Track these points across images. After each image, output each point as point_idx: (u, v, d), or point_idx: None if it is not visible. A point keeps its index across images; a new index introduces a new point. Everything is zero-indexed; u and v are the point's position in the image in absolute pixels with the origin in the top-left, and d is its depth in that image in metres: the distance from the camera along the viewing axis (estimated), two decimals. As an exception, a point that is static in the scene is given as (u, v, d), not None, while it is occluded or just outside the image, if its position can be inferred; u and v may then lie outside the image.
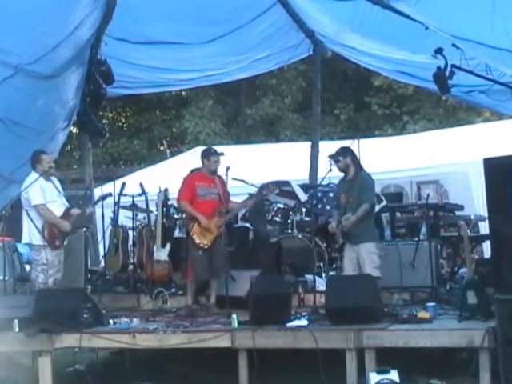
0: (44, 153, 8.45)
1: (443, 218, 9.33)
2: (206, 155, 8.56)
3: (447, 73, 7.78)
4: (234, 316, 7.09)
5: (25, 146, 9.27)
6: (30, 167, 8.37)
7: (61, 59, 8.91)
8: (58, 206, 8.28)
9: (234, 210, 8.70)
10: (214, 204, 8.42)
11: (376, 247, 7.78)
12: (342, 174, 8.16)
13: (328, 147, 10.19)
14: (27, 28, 7.80)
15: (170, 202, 9.78)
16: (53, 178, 8.41)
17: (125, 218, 10.06)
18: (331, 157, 8.10)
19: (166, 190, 9.67)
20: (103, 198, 9.09)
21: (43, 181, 8.21)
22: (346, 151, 8.06)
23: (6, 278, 9.76)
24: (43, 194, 8.15)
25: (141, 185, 9.95)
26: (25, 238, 8.37)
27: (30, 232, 8.24)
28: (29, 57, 8.29)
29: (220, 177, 8.57)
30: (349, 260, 7.88)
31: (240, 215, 10.03)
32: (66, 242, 8.34)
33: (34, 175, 8.24)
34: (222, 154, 8.61)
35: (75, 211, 8.40)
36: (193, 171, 8.79)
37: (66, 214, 8.30)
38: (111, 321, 7.60)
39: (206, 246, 8.32)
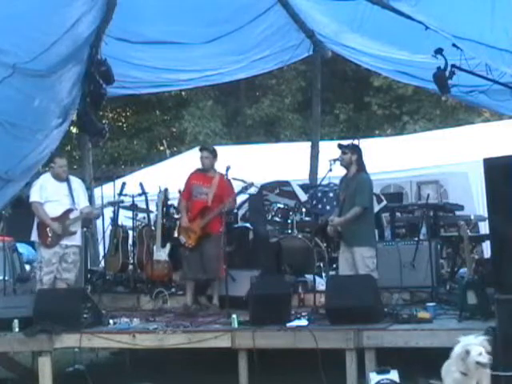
0: (58, 156, 8.80)
1: (443, 218, 9.34)
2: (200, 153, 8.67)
3: (447, 73, 7.78)
4: (234, 316, 7.08)
5: (20, 146, 9.35)
6: (29, 166, 8.59)
7: (57, 57, 8.89)
8: (57, 205, 8.36)
9: (213, 211, 8.42)
10: (202, 204, 8.44)
11: (371, 251, 7.74)
12: (341, 175, 8.17)
13: (328, 147, 10.20)
14: (23, 27, 7.79)
15: (169, 202, 9.78)
16: (72, 179, 8.61)
17: (125, 218, 10.07)
18: (340, 146, 8.06)
19: (165, 189, 9.66)
20: (112, 204, 9.41)
21: (50, 180, 8.45)
22: (355, 149, 8.05)
23: (6, 278, 9.79)
24: (40, 192, 8.36)
25: (141, 185, 9.95)
26: (33, 235, 8.51)
27: (35, 229, 8.48)
28: (26, 55, 8.28)
29: (223, 177, 8.53)
30: (344, 260, 7.88)
31: (240, 215, 10.04)
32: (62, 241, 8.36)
33: (45, 175, 8.65)
34: (206, 148, 8.70)
35: (76, 213, 8.42)
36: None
37: (64, 216, 8.35)
38: (111, 321, 7.61)
39: (191, 246, 8.38)
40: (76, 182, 8.67)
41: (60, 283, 8.30)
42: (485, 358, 5.38)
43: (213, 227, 8.41)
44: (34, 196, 8.36)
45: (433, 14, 6.68)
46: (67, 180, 8.49)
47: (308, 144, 12.37)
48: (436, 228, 9.07)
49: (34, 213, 8.36)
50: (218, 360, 7.31)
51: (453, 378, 5.45)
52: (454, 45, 7.23)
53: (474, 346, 5.43)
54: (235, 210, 9.85)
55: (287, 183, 10.10)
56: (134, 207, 9.88)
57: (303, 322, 7.01)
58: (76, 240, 8.46)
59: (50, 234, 8.28)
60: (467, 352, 5.40)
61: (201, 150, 8.73)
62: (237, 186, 8.83)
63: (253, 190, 9.68)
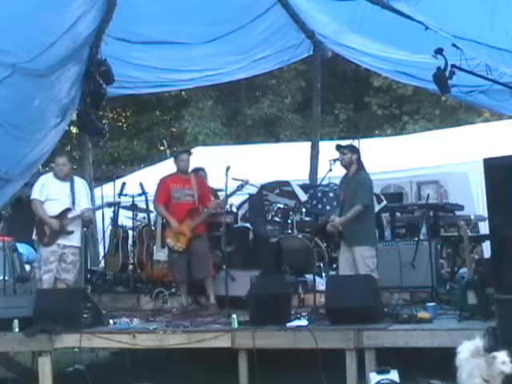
0: (58, 155, 8.94)
1: (443, 218, 9.33)
2: (175, 156, 8.70)
3: (447, 73, 7.78)
4: (234, 316, 7.08)
5: (19, 145, 9.38)
6: (28, 165, 8.63)
7: (57, 57, 8.89)
8: (57, 204, 8.39)
9: (207, 210, 8.46)
10: (189, 206, 8.43)
11: (371, 251, 7.74)
12: (342, 175, 8.18)
13: (328, 147, 10.20)
14: (23, 27, 7.79)
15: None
16: (76, 179, 8.68)
17: (125, 218, 10.07)
18: (339, 147, 8.08)
19: (165, 189, 9.65)
20: (108, 205, 9.45)
21: (53, 180, 8.52)
22: (354, 149, 8.09)
23: (6, 278, 9.79)
24: (41, 191, 8.43)
25: (141, 185, 9.96)
26: (34, 234, 8.55)
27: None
28: (26, 55, 8.29)
29: (198, 176, 8.61)
30: (344, 260, 7.88)
31: (240, 215, 10.04)
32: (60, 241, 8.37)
33: (48, 174, 8.79)
34: (187, 151, 8.76)
35: (75, 213, 8.43)
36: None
37: (62, 215, 8.37)
38: (111, 321, 7.61)
39: (181, 249, 8.38)
40: (80, 182, 8.71)
41: (59, 283, 8.32)
42: (508, 367, 5.28)
43: (199, 227, 8.47)
44: (35, 194, 8.44)
45: (433, 14, 6.68)
46: (71, 180, 8.52)
47: (308, 144, 12.37)
48: (436, 228, 9.06)
49: (34, 210, 8.39)
50: (218, 360, 7.30)
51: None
52: (453, 45, 7.23)
53: (500, 353, 5.35)
54: (235, 210, 9.86)
55: (287, 183, 10.10)
56: (133, 207, 9.89)
57: (303, 322, 7.00)
58: (74, 241, 8.46)
59: (47, 233, 8.32)
60: (493, 358, 5.33)
61: (184, 152, 8.72)
62: (235, 186, 8.84)
63: (252, 190, 9.68)
